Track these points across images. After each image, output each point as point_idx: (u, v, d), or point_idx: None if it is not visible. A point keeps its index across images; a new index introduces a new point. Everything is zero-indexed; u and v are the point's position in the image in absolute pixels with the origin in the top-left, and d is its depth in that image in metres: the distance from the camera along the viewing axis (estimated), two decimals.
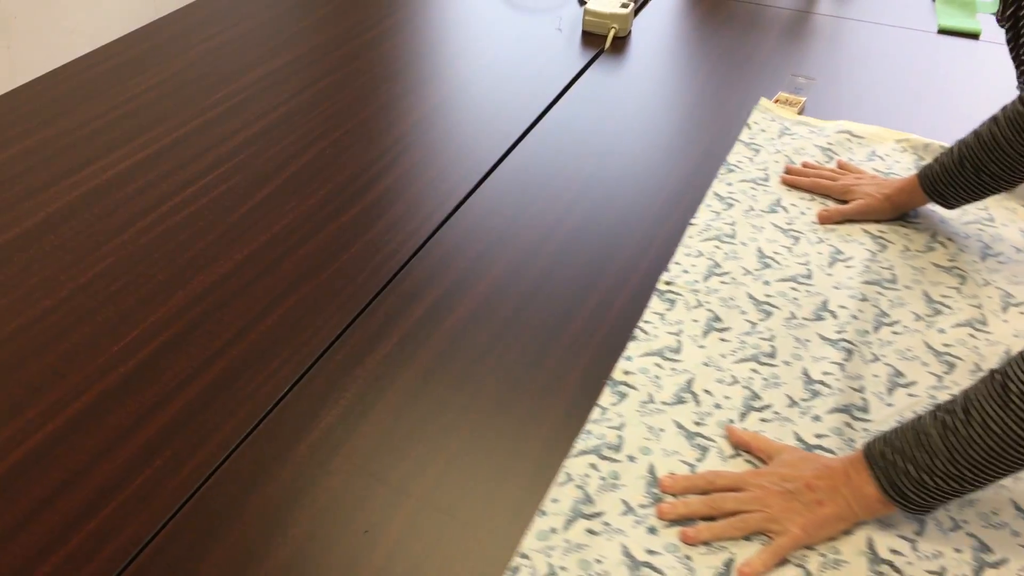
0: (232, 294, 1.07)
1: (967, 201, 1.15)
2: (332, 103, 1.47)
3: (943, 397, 0.96)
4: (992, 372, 0.77)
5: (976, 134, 1.10)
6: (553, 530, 0.82)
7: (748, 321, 1.05)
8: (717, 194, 1.26)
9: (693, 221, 1.21)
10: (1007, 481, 0.87)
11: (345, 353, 1.00)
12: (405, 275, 1.11)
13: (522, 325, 1.05)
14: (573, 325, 1.05)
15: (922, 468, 0.77)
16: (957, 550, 0.81)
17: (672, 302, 1.08)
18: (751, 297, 1.09)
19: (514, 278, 1.11)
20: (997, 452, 0.74)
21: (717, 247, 1.16)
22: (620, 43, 1.71)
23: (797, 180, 1.28)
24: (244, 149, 1.33)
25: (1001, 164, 1.08)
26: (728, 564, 0.79)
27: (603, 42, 1.71)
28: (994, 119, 1.09)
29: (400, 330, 1.03)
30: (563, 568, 0.78)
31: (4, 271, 1.08)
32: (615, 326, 1.05)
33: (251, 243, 1.15)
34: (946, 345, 1.02)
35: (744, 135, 1.40)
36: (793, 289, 1.10)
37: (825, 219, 1.21)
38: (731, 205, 1.24)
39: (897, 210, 1.21)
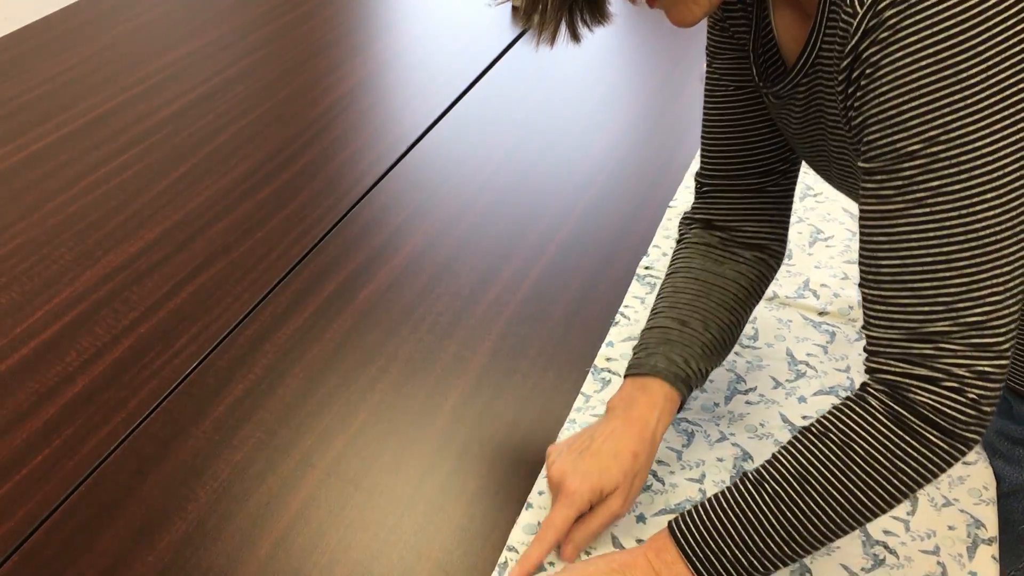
0: (142, 273, 1.05)
1: (703, 376, 0.88)
2: (252, 83, 1.45)
3: None
4: (816, 431, 0.69)
5: (669, 307, 0.90)
6: (540, 523, 0.81)
7: None
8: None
9: (672, 204, 1.21)
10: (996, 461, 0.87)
11: (255, 329, 0.99)
12: (320, 251, 1.11)
13: (436, 297, 1.05)
14: (487, 296, 1.05)
15: (751, 549, 0.69)
16: (951, 527, 0.82)
17: (652, 286, 1.08)
18: None
19: (430, 251, 1.11)
20: (836, 519, 0.68)
21: None
22: None
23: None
24: (161, 129, 1.32)
25: (729, 312, 0.89)
26: None
27: None
28: (672, 273, 0.92)
29: (311, 305, 1.03)
30: (551, 563, 0.78)
31: None
32: (529, 296, 1.05)
33: (164, 222, 1.14)
34: None
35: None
36: None
37: (570, 556, 0.81)
38: None
39: (653, 451, 0.82)
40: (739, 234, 0.91)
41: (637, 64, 1.57)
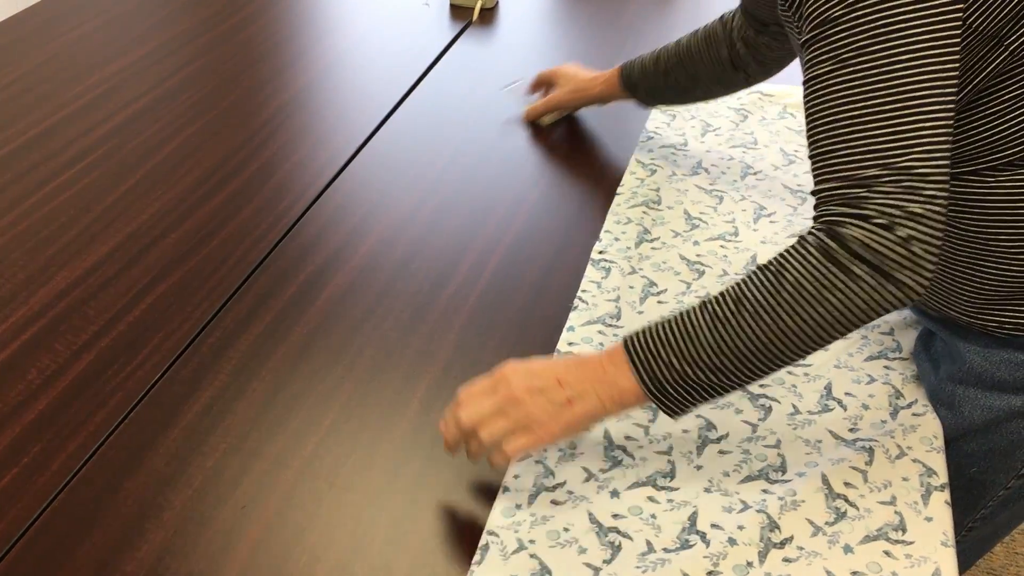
0: (97, 288, 1.05)
1: (656, 101, 1.28)
2: (196, 91, 1.44)
3: (873, 338, 1.01)
4: (760, 266, 0.75)
5: (677, 41, 1.21)
6: (518, 506, 0.82)
7: (683, 282, 1.07)
8: (639, 161, 1.29)
9: (620, 190, 1.23)
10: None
11: (217, 336, 0.99)
12: (277, 256, 1.11)
13: (396, 295, 1.06)
14: (447, 291, 1.06)
15: (686, 359, 0.75)
16: (904, 479, 0.85)
17: (607, 270, 1.09)
18: (683, 258, 1.11)
19: (387, 249, 1.12)
20: (764, 342, 0.73)
21: (645, 213, 1.18)
22: (489, 15, 1.72)
23: (535, 111, 1.38)
24: (106, 141, 1.30)
25: (686, 71, 1.19)
26: (692, 518, 0.81)
27: (471, 14, 1.72)
28: (695, 31, 1.19)
29: (273, 310, 1.03)
30: (532, 541, 0.79)
31: None
32: (488, 288, 1.06)
33: (116, 235, 1.13)
34: None
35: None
36: (722, 247, 1.13)
37: (532, 115, 1.36)
38: (654, 171, 1.27)
39: (603, 96, 1.31)
40: (743, 47, 1.14)
41: (578, 55, 1.59)
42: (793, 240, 1.12)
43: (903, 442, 0.88)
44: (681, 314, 0.77)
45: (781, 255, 0.74)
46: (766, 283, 0.73)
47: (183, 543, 0.78)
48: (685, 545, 0.79)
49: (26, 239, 1.11)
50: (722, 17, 1.17)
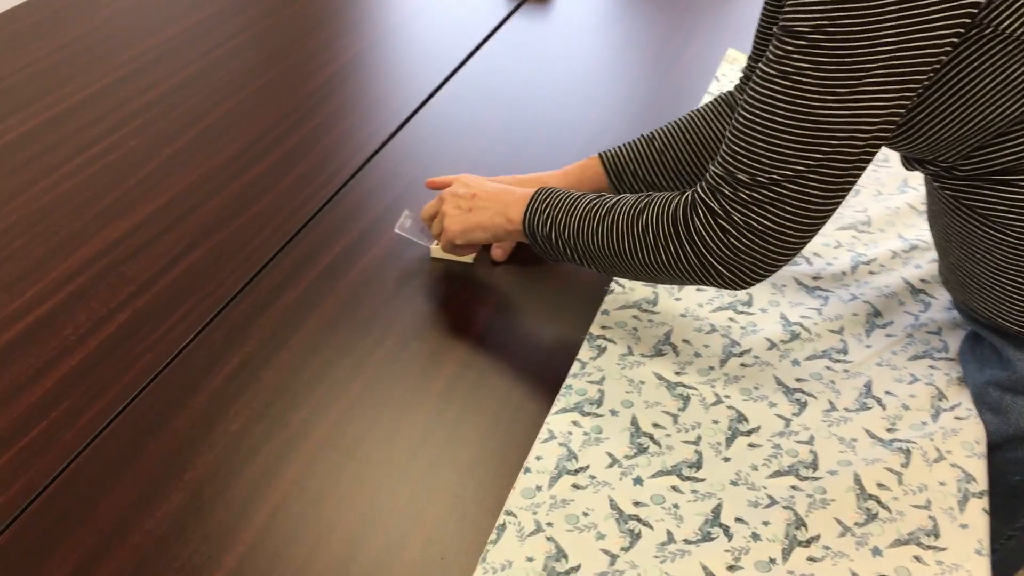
0: (136, 249, 1.06)
1: (644, 189, 1.08)
2: (246, 59, 1.45)
3: (920, 337, 0.98)
4: (642, 196, 0.85)
5: (671, 122, 1.08)
6: (538, 487, 0.81)
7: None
8: None
9: None
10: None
11: (250, 303, 0.99)
12: (314, 226, 1.11)
13: (431, 270, 1.05)
14: (481, 269, 1.05)
15: (556, 227, 0.89)
16: (941, 483, 0.82)
17: None
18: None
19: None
20: (607, 252, 0.86)
21: None
22: None
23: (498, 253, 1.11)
24: (153, 107, 1.31)
25: (691, 146, 1.04)
26: (716, 510, 0.79)
27: None
28: (698, 109, 1.07)
29: (307, 279, 1.03)
30: (550, 524, 0.78)
31: None
32: (525, 266, 1.05)
33: (157, 199, 1.14)
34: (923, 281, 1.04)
35: (713, 87, 1.39)
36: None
37: (500, 257, 1.07)
38: None
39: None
40: None
41: (632, 35, 1.56)
42: (850, 236, 1.10)
43: (943, 445, 0.85)
44: (580, 198, 0.89)
45: (657, 195, 0.84)
46: (631, 211, 0.84)
47: (202, 505, 0.79)
48: (707, 537, 0.77)
49: (70, 199, 1.13)
50: (732, 91, 1.08)
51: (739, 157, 0.75)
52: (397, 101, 1.35)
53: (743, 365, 0.94)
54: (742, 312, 1.00)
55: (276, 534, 0.77)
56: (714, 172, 0.78)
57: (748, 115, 0.74)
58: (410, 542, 0.76)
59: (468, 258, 1.05)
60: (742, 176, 0.75)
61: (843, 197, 0.75)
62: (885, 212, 1.15)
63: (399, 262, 1.05)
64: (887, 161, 1.24)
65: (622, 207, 0.85)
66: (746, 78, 1.03)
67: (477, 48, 1.50)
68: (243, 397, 0.89)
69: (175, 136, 1.25)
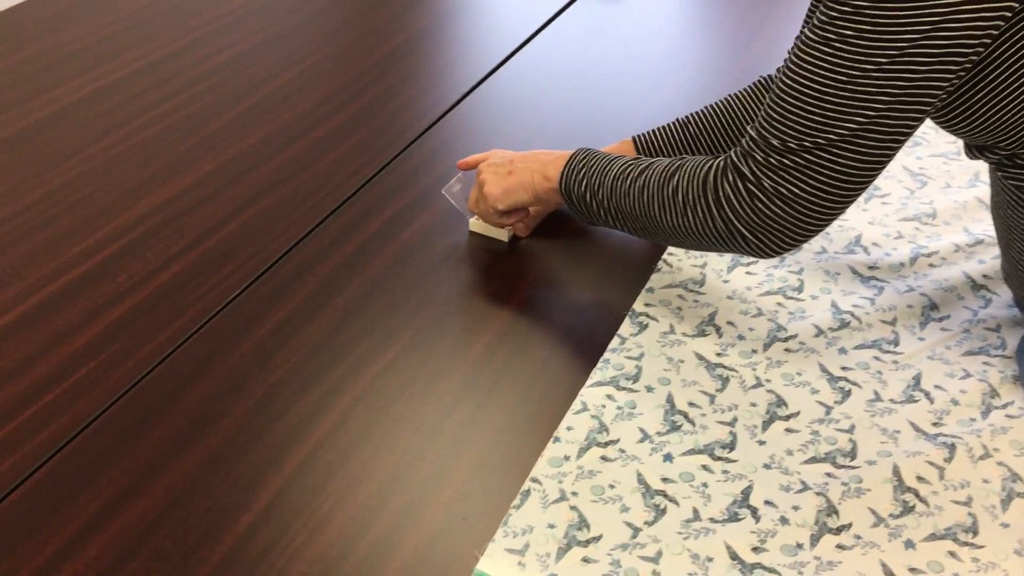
0: (193, 204, 1.08)
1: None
2: (314, 29, 1.47)
3: (976, 333, 0.94)
4: (676, 159, 0.85)
5: (711, 105, 1.06)
6: (566, 457, 0.81)
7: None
8: None
9: None
10: None
11: (298, 261, 1.01)
12: (366, 191, 1.12)
13: (477, 240, 1.05)
14: (528, 241, 1.05)
15: (591, 189, 0.90)
16: (985, 481, 0.79)
17: None
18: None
19: None
20: (639, 215, 0.86)
21: None
22: None
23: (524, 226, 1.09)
24: (222, 70, 1.34)
25: (725, 130, 1.04)
26: (746, 492, 0.78)
27: None
28: (736, 93, 1.06)
29: (355, 242, 1.04)
30: (574, 493, 0.78)
31: None
32: (572, 242, 1.04)
33: (218, 158, 1.16)
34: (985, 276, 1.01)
35: None
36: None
37: (523, 231, 1.06)
38: None
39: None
40: None
41: (703, 20, 1.54)
42: (913, 228, 1.07)
43: (990, 443, 0.82)
44: (616, 160, 0.90)
45: (691, 158, 0.84)
46: (663, 173, 0.84)
47: (235, 451, 0.80)
48: (733, 518, 0.76)
49: (134, 155, 1.16)
50: (772, 73, 1.06)
51: (774, 122, 0.74)
52: (458, 75, 1.36)
53: (787, 350, 0.92)
54: (791, 297, 0.98)
55: (304, 483, 0.78)
56: (749, 137, 0.77)
57: (787, 80, 0.73)
58: (434, 501, 0.77)
59: (503, 235, 1.04)
60: (775, 141, 0.74)
61: (878, 171, 0.74)
62: (952, 205, 1.11)
63: (446, 232, 1.06)
64: (959, 155, 1.20)
65: (655, 169, 0.85)
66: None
67: (542, 27, 1.50)
68: (284, 351, 0.90)
69: (240, 99, 1.28)
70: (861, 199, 1.11)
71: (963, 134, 0.80)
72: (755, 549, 0.74)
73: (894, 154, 0.73)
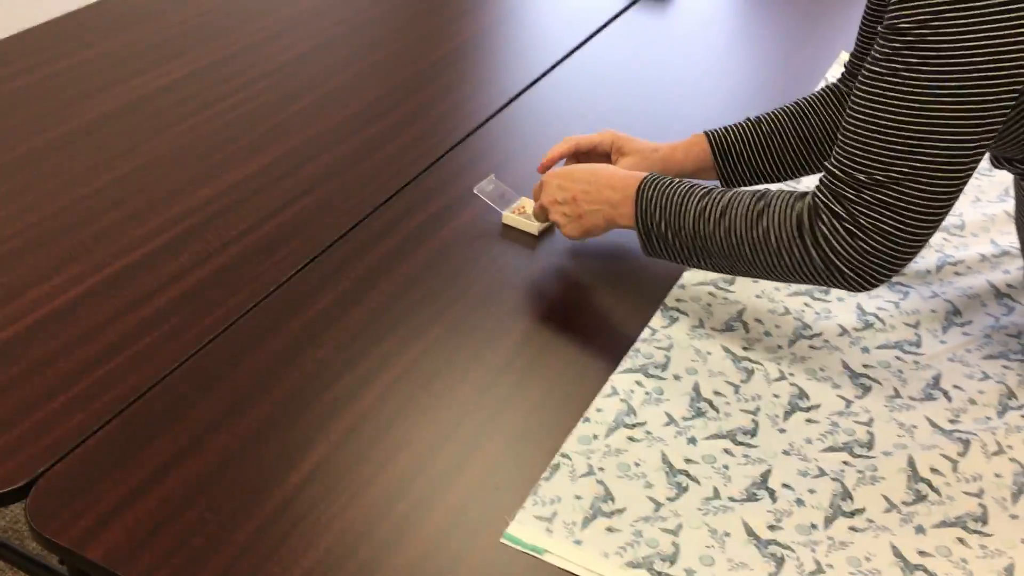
0: (253, 192, 1.15)
1: (750, 176, 1.06)
2: (373, 31, 1.53)
3: (997, 338, 0.97)
4: (758, 196, 0.85)
5: (783, 108, 1.07)
6: (595, 436, 0.85)
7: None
8: None
9: None
10: None
11: (349, 248, 1.07)
12: (414, 186, 1.18)
13: (516, 236, 1.10)
14: (563, 237, 1.10)
15: (670, 226, 0.90)
16: (997, 475, 0.82)
17: None
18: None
19: (517, 194, 1.16)
20: (727, 256, 0.87)
21: None
22: None
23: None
24: (283, 69, 1.41)
25: (798, 132, 1.03)
26: (765, 475, 0.82)
27: None
28: (806, 98, 1.06)
29: (401, 233, 1.10)
30: (601, 469, 0.82)
31: (53, 159, 1.18)
32: (607, 239, 1.09)
33: (277, 150, 1.23)
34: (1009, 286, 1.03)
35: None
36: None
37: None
38: None
39: (682, 167, 1.07)
40: None
41: (746, 34, 1.58)
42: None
43: (1004, 440, 0.85)
44: (690, 189, 0.90)
45: (774, 197, 0.84)
46: (749, 213, 0.85)
47: (285, 418, 0.86)
48: (752, 498, 0.80)
49: (198, 145, 1.23)
50: (838, 83, 1.06)
51: (856, 157, 0.77)
52: (506, 80, 1.42)
53: (811, 347, 0.95)
54: (818, 299, 1.02)
55: (348, 451, 0.83)
56: (832, 174, 0.79)
57: (860, 115, 0.76)
58: (468, 470, 0.82)
59: (533, 228, 1.09)
60: (861, 176, 0.77)
61: (962, 189, 0.76)
62: (981, 218, 1.14)
63: (484, 227, 1.11)
64: (990, 171, 1.23)
65: (737, 209, 0.85)
66: (849, 73, 1.04)
67: (589, 37, 1.55)
68: (332, 330, 0.96)
69: (299, 96, 1.35)
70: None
71: (993, 146, 0.83)
72: (771, 527, 0.77)
73: (976, 167, 0.75)
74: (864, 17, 1.00)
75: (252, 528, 0.76)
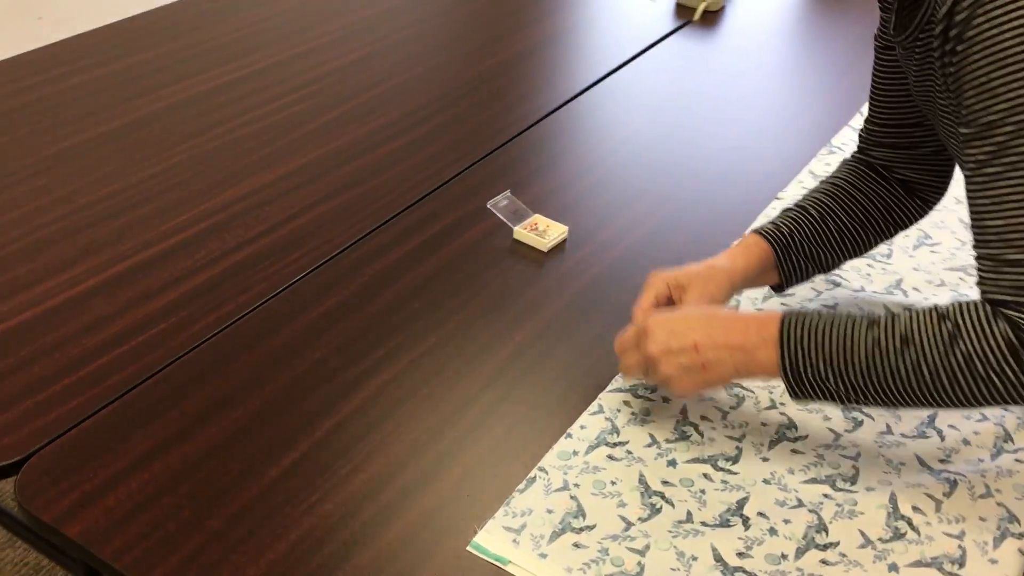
0: (277, 194, 1.18)
1: (814, 265, 0.97)
2: (419, 45, 1.57)
3: None
4: (939, 314, 0.73)
5: (819, 191, 0.99)
6: (575, 452, 0.86)
7: (813, 289, 1.06)
8: (812, 172, 1.27)
9: (780, 195, 1.22)
10: None
11: (360, 254, 1.09)
12: (432, 199, 1.20)
13: (527, 249, 1.11)
14: (574, 254, 1.10)
15: (833, 369, 0.76)
16: (982, 519, 0.80)
17: None
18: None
19: (535, 207, 1.17)
20: (914, 389, 0.73)
21: None
22: (713, 17, 1.74)
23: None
24: (325, 78, 1.45)
25: (848, 213, 0.96)
26: (741, 502, 0.81)
27: (693, 14, 1.75)
28: (839, 176, 1.00)
29: (412, 243, 1.11)
30: (576, 485, 0.82)
31: (95, 154, 1.23)
32: (616, 259, 1.09)
33: (306, 156, 1.26)
34: None
35: (855, 121, 1.39)
36: (869, 266, 1.10)
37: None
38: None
39: (747, 277, 0.95)
40: (894, 173, 0.98)
41: (788, 64, 1.57)
42: (957, 278, 1.06)
43: (993, 483, 0.82)
44: (845, 322, 0.76)
45: (961, 315, 0.72)
46: (939, 339, 0.72)
47: (274, 414, 0.88)
48: (724, 524, 0.79)
49: (237, 146, 1.27)
50: (849, 159, 1.02)
51: None
52: (540, 99, 1.43)
53: None
54: None
55: (328, 449, 0.85)
56: (1013, 291, 0.70)
57: (1002, 225, 0.70)
58: (444, 477, 0.83)
59: (543, 246, 1.10)
60: None
61: None
62: None
63: (495, 242, 1.12)
64: None
65: (923, 335, 0.73)
66: (864, 141, 0.99)
67: (630, 60, 1.56)
68: (331, 331, 0.98)
69: (342, 102, 1.38)
70: (909, 246, 1.13)
71: None
72: (740, 554, 0.77)
73: None
74: (877, 78, 0.95)
75: (225, 517, 0.78)
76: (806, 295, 1.05)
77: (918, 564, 0.76)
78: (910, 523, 0.79)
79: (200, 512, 0.78)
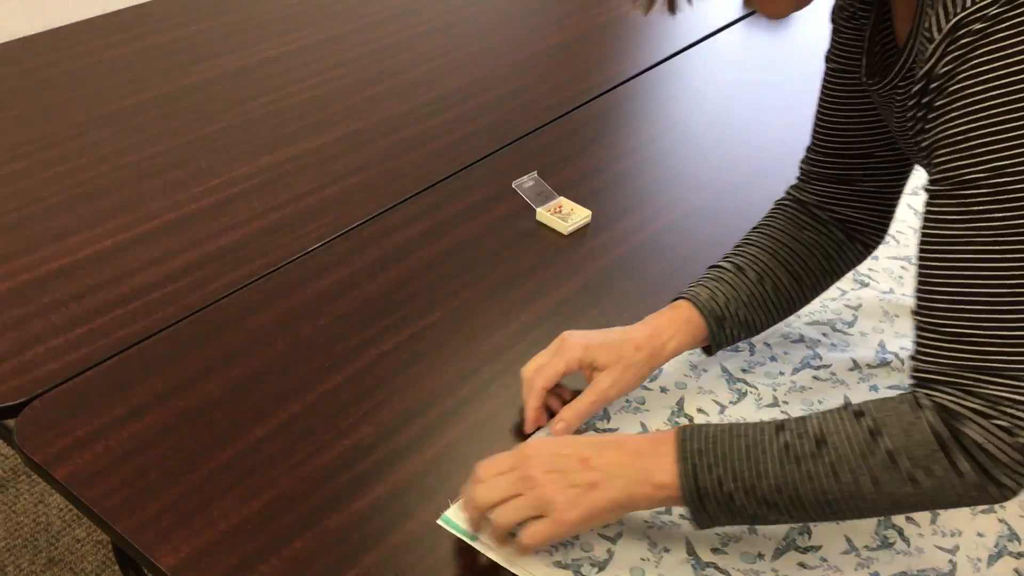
0: (309, 164, 1.20)
1: (747, 330, 0.88)
2: (467, 27, 1.57)
3: None
4: (854, 413, 0.66)
5: (739, 245, 0.91)
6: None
7: (838, 288, 1.02)
8: None
9: None
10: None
11: (380, 227, 1.10)
12: (454, 179, 1.20)
13: (544, 234, 1.10)
14: (584, 245, 1.08)
15: (739, 484, 0.67)
16: (979, 534, 0.76)
17: None
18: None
19: (567, 193, 1.16)
20: (834, 497, 0.65)
21: None
22: None
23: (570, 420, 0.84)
24: (385, 51, 1.47)
25: (785, 267, 0.88)
26: None
27: None
28: (770, 223, 0.92)
29: (428, 222, 1.11)
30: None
31: (140, 118, 1.27)
32: (624, 255, 1.07)
33: (340, 130, 1.27)
34: None
35: None
36: (903, 268, 1.05)
37: (562, 432, 0.82)
38: None
39: (676, 350, 0.85)
40: (833, 215, 0.90)
41: None
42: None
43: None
44: (751, 431, 0.69)
45: (880, 410, 0.66)
46: (857, 438, 0.65)
47: (268, 376, 0.89)
48: None
49: (277, 116, 1.29)
50: (785, 199, 0.94)
51: (978, 340, 0.62)
52: (584, 83, 1.41)
53: (816, 378, 0.90)
54: (839, 330, 0.96)
55: (316, 414, 0.85)
56: (950, 366, 0.64)
57: (954, 294, 0.63)
58: (426, 450, 0.82)
59: (564, 229, 1.09)
60: (996, 359, 0.62)
61: None
62: None
63: (516, 223, 1.11)
64: None
65: (838, 436, 0.66)
66: (804, 173, 0.92)
67: (686, 48, 1.53)
68: (341, 300, 0.99)
69: (387, 78, 1.40)
70: None
71: None
72: (715, 550, 0.74)
73: None
74: (824, 102, 0.87)
75: (207, 471, 0.79)
76: (830, 294, 1.01)
77: None
78: (901, 533, 0.75)
79: (183, 465, 0.80)
